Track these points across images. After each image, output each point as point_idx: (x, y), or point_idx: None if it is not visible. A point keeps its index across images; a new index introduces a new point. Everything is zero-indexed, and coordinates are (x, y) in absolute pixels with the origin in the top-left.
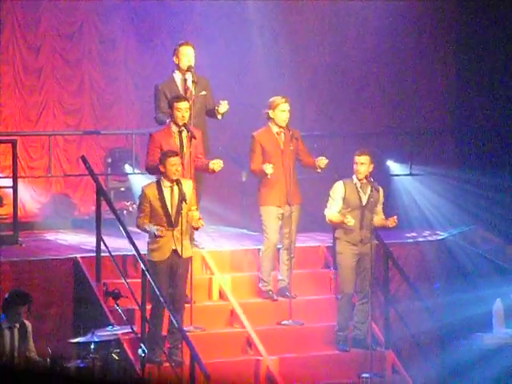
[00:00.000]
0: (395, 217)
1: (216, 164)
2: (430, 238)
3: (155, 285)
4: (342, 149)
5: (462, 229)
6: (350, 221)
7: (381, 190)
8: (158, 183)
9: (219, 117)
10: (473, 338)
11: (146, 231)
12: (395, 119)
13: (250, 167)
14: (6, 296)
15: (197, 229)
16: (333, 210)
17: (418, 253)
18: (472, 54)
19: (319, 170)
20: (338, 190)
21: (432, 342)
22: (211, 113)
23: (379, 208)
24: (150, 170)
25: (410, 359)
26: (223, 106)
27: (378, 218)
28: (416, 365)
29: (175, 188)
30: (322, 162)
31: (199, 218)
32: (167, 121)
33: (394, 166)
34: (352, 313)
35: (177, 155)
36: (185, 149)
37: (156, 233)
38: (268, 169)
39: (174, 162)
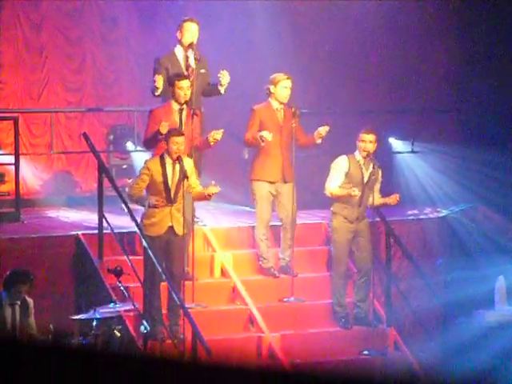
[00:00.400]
0: (397, 194)
1: (217, 134)
2: (431, 216)
3: (152, 260)
4: (344, 126)
5: (464, 206)
6: (357, 192)
7: (379, 170)
8: (162, 158)
9: (222, 90)
10: (474, 315)
11: (140, 201)
12: (397, 97)
13: (245, 136)
14: (7, 274)
15: (211, 195)
16: (334, 184)
17: (419, 230)
18: (474, 33)
19: (319, 141)
20: (342, 163)
21: (434, 320)
22: (212, 90)
23: (377, 186)
24: (148, 144)
25: (412, 336)
26: (225, 76)
27: (377, 197)
28: (418, 342)
29: (177, 165)
30: (324, 129)
31: (214, 185)
32: (153, 87)
33: (396, 144)
34: (346, 289)
35: (181, 135)
36: (184, 126)
37: (152, 201)
38: (267, 135)
39: (177, 141)
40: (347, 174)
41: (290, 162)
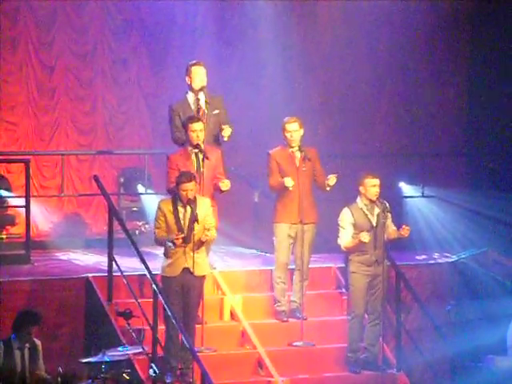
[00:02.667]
0: (407, 226)
1: (222, 184)
2: (441, 260)
3: (166, 304)
4: (354, 170)
5: (474, 251)
6: (365, 237)
7: (387, 205)
8: (174, 198)
9: (225, 139)
10: (485, 360)
11: (164, 242)
12: (407, 141)
13: (269, 182)
14: (17, 316)
15: (203, 242)
16: (345, 238)
17: (429, 274)
18: (484, 76)
19: (328, 189)
20: (346, 217)
21: (444, 365)
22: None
23: (388, 222)
24: (171, 192)
25: (422, 382)
26: (226, 131)
27: (391, 231)
28: None
29: (188, 208)
30: (332, 179)
31: (208, 229)
32: (184, 138)
33: (406, 188)
34: (362, 334)
35: (190, 181)
36: (202, 169)
37: (173, 241)
38: (289, 182)
39: (185, 188)
40: (354, 225)
41: (310, 204)
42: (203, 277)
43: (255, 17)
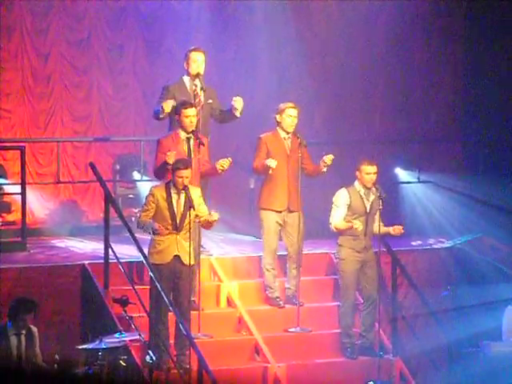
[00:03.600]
0: (401, 226)
1: (224, 162)
2: (437, 246)
3: (158, 289)
4: (350, 156)
5: (470, 237)
6: (359, 226)
7: (383, 194)
8: (168, 185)
9: (237, 114)
10: (481, 346)
11: (146, 228)
12: (404, 127)
13: (252, 165)
14: (13, 303)
15: (211, 223)
16: (338, 218)
17: (425, 260)
18: (482, 62)
19: (325, 169)
20: (342, 197)
21: (440, 350)
22: (226, 116)
23: (377, 214)
24: (157, 174)
25: (418, 367)
26: (238, 101)
27: (377, 225)
28: (424, 373)
29: (182, 194)
30: (329, 158)
31: (213, 212)
32: (161, 116)
33: (402, 174)
34: (355, 319)
35: (187, 167)
36: (192, 155)
37: (155, 227)
38: (272, 162)
39: (181, 175)
40: (349, 207)
41: (297, 191)
42: (193, 265)
43: (251, 4)
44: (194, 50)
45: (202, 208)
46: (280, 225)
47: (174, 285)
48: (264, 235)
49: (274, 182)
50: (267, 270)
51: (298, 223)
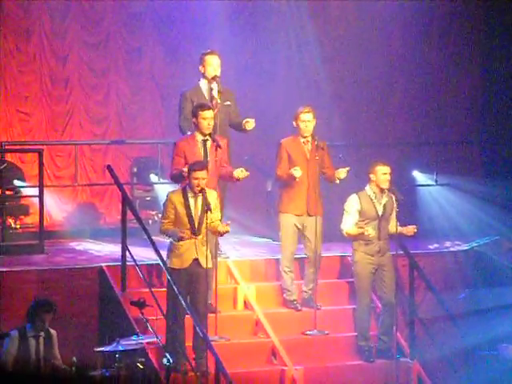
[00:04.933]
0: (414, 226)
1: (240, 173)
2: (455, 249)
3: (175, 293)
4: (367, 159)
5: (488, 239)
6: (371, 232)
7: (398, 196)
8: (184, 190)
9: (247, 131)
10: (499, 348)
11: (170, 235)
12: (421, 129)
13: (276, 172)
14: (31, 304)
15: (222, 233)
16: (349, 224)
17: (443, 263)
18: (498, 64)
19: (338, 181)
20: (353, 203)
21: (457, 353)
22: (237, 125)
23: (393, 215)
24: (174, 178)
25: (436, 370)
26: (250, 124)
27: (393, 225)
28: (442, 376)
29: (199, 197)
30: (342, 173)
31: (227, 224)
32: (188, 133)
33: (419, 176)
34: (370, 322)
35: (203, 169)
36: (209, 158)
37: (179, 235)
38: (297, 172)
39: (197, 176)
40: (360, 212)
41: (317, 196)
42: (210, 269)
43: (268, 7)
44: (209, 53)
45: (215, 213)
46: (298, 228)
47: (191, 288)
48: (282, 238)
49: (294, 185)
50: (285, 273)
51: (316, 227)
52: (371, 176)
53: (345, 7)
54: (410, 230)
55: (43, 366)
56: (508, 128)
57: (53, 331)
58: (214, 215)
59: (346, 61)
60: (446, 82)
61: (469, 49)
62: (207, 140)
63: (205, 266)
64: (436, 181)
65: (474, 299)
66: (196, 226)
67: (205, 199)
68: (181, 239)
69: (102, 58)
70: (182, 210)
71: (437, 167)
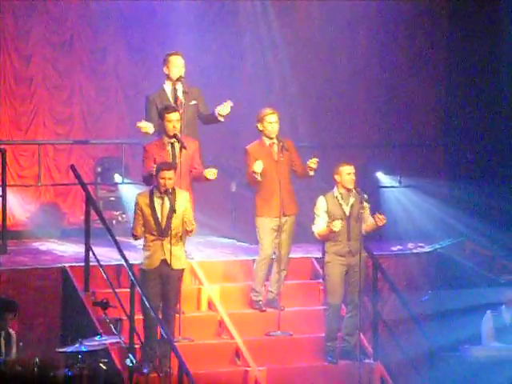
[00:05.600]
0: (381, 215)
1: (209, 172)
2: (418, 250)
3: (144, 294)
4: (332, 160)
5: (451, 241)
6: (337, 225)
7: (366, 197)
8: (151, 192)
9: (221, 119)
10: (461, 350)
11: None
12: (385, 131)
13: (247, 178)
14: None
15: (189, 232)
16: (319, 225)
17: (406, 265)
18: (464, 67)
19: (312, 173)
20: (320, 204)
21: (420, 354)
22: (209, 118)
23: (366, 214)
24: (146, 180)
25: (399, 371)
26: (225, 108)
27: (369, 223)
28: (405, 377)
29: (166, 198)
30: (313, 162)
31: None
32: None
33: (383, 178)
34: (340, 323)
35: (170, 169)
36: (177, 159)
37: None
38: (257, 166)
39: (164, 176)
40: (327, 213)
41: (290, 195)
42: (182, 270)
43: (234, 7)
44: (173, 54)
45: (187, 213)
46: (275, 231)
47: (161, 289)
48: (260, 242)
49: (266, 189)
50: (258, 275)
51: (289, 226)
52: (336, 177)
53: (311, 7)
54: (379, 219)
55: (4, 367)
56: (472, 131)
57: (12, 332)
58: (187, 215)
59: (311, 62)
60: (411, 84)
61: (434, 51)
62: (174, 142)
63: (175, 266)
64: (400, 182)
65: (438, 301)
66: (163, 227)
67: (170, 200)
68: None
69: (66, 57)
70: (147, 211)
71: (401, 169)
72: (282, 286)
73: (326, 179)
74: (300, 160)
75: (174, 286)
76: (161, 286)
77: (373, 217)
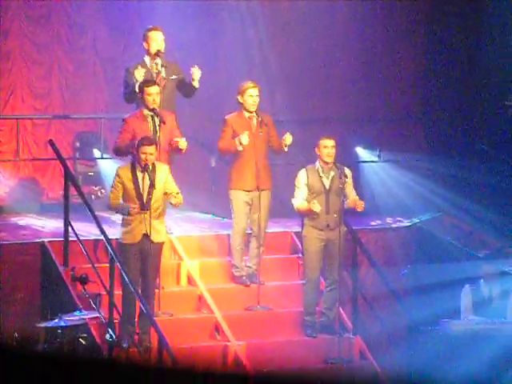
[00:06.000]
0: (363, 202)
1: (183, 143)
2: (397, 225)
3: (124, 269)
4: (311, 134)
5: (430, 215)
6: (316, 206)
7: (348, 172)
8: (133, 165)
9: (195, 84)
10: (440, 324)
11: (119, 210)
12: (364, 106)
13: (219, 145)
14: None
15: (174, 205)
16: (299, 199)
17: (385, 239)
18: (442, 42)
19: (286, 149)
20: (301, 177)
21: (400, 329)
22: (188, 89)
23: (349, 189)
24: (116, 152)
25: (378, 345)
26: (196, 72)
27: (350, 199)
28: (384, 351)
29: (147, 173)
30: (288, 138)
31: (177, 193)
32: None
33: (362, 153)
34: (318, 297)
35: (151, 144)
36: (158, 133)
37: (130, 210)
38: (244, 138)
39: (144, 151)
40: (308, 185)
41: (266, 170)
42: (162, 243)
43: None
44: (153, 29)
45: (170, 185)
46: (249, 204)
47: (141, 263)
48: (234, 215)
49: (242, 162)
50: (236, 250)
51: (265, 201)
52: (316, 150)
53: None
54: (359, 205)
55: None
56: (452, 105)
57: None
58: (169, 187)
59: (289, 37)
60: (391, 58)
61: (412, 25)
62: (154, 115)
63: (155, 240)
64: (379, 157)
65: (416, 275)
66: (145, 201)
67: (149, 175)
68: (131, 212)
69: (44, 32)
70: (130, 185)
71: (380, 144)
72: (260, 261)
73: (304, 154)
74: (277, 136)
75: (154, 260)
76: (140, 261)
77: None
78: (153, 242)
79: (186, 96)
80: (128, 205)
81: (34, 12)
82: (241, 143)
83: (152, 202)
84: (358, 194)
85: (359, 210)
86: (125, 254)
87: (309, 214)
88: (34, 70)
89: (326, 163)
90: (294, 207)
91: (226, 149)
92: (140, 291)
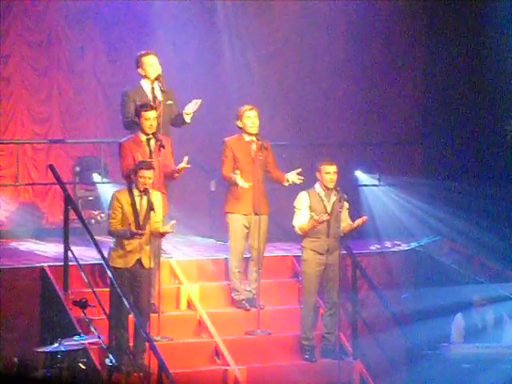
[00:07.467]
0: (364, 217)
1: (181, 165)
2: (397, 248)
3: (123, 294)
4: (310, 159)
5: (430, 239)
6: (323, 216)
7: (345, 196)
8: (130, 189)
9: (187, 119)
10: (440, 348)
11: (120, 234)
12: (363, 130)
13: (222, 172)
14: None
15: (163, 234)
16: (301, 219)
17: (385, 263)
18: (440, 65)
19: (286, 184)
20: (303, 199)
21: (400, 352)
22: (177, 119)
23: (345, 215)
24: (127, 178)
25: (379, 369)
26: (191, 106)
27: (345, 224)
28: (384, 375)
29: (144, 197)
30: (293, 176)
31: (171, 225)
32: (134, 124)
33: (362, 177)
34: (315, 321)
35: (149, 168)
36: (153, 157)
37: (133, 231)
38: (240, 181)
39: (143, 175)
40: (310, 208)
41: (263, 195)
42: (151, 268)
43: (213, 6)
44: (146, 54)
45: (157, 215)
46: (246, 228)
47: (134, 288)
48: (231, 238)
49: (240, 186)
50: (233, 274)
51: (261, 226)
52: (317, 174)
53: (289, 6)
54: (360, 220)
55: None
56: (450, 129)
57: None
58: (157, 217)
59: (289, 60)
60: (389, 82)
61: (412, 50)
62: (150, 139)
63: (147, 266)
64: (379, 180)
65: (417, 299)
66: (141, 225)
67: (148, 199)
68: (132, 237)
69: (44, 56)
70: (128, 210)
71: (379, 167)
72: (259, 285)
73: (305, 178)
74: (275, 163)
75: (147, 284)
76: (133, 285)
77: (352, 222)
78: (144, 267)
79: (173, 125)
80: (132, 230)
81: (34, 37)
82: (239, 186)
83: (147, 226)
84: (356, 218)
85: (360, 224)
86: (117, 278)
87: (311, 232)
88: (34, 94)
89: (328, 188)
90: (295, 229)
91: (228, 178)
92: (130, 316)
